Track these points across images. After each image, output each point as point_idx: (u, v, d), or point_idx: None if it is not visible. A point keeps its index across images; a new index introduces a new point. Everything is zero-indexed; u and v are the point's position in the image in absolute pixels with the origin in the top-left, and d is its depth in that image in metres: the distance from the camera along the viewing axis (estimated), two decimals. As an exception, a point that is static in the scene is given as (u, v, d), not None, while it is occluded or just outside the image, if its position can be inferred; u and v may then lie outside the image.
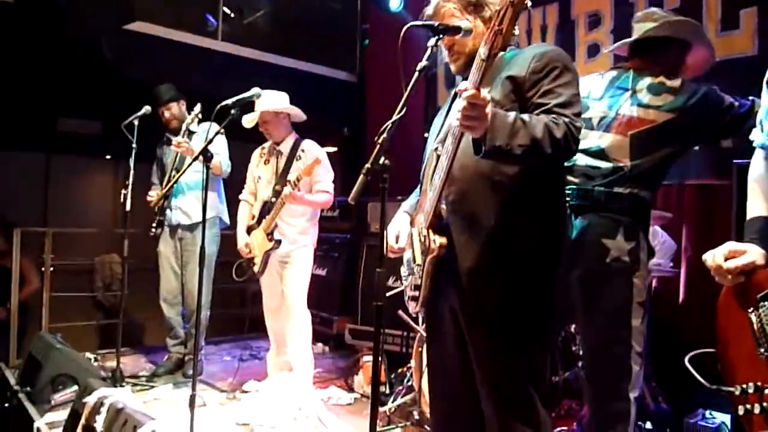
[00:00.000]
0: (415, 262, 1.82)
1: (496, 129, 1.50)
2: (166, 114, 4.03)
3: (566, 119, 1.59)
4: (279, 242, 3.50)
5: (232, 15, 5.91)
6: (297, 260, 3.58)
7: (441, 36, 1.78)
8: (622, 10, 3.81)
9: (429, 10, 1.86)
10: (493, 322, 1.70)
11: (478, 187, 1.70)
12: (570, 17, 4.05)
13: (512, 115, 1.55)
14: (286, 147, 3.63)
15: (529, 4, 1.47)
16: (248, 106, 3.18)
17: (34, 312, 4.36)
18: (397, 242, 1.95)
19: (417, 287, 1.80)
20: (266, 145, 3.75)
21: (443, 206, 1.74)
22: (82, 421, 2.54)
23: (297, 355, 3.56)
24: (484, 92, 1.47)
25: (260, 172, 3.72)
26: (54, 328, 4.21)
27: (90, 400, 2.56)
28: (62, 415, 2.92)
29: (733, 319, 1.36)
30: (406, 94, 1.66)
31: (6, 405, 3.43)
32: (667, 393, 3.11)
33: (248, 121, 3.55)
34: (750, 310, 1.31)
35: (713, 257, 1.35)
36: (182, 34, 5.19)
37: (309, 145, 3.61)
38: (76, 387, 3.24)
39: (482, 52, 1.51)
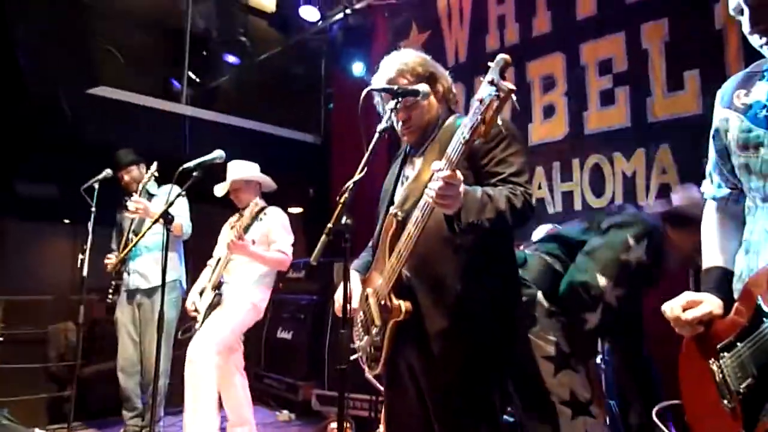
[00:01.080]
0: (374, 323, 1.84)
1: (469, 206, 1.59)
2: (126, 177, 3.98)
3: (521, 188, 1.71)
4: (220, 296, 3.44)
5: (197, 79, 5.99)
6: (226, 307, 3.44)
7: (400, 99, 1.84)
8: (576, 74, 4.00)
9: (381, 83, 1.91)
10: (455, 383, 1.74)
11: (442, 250, 1.76)
12: (525, 80, 4.24)
13: (479, 190, 1.64)
14: (251, 212, 3.58)
15: (515, 98, 1.46)
16: (214, 171, 3.18)
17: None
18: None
19: (377, 348, 1.81)
20: (237, 214, 3.78)
21: (405, 271, 1.77)
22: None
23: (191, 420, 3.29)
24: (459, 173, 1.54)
25: (224, 236, 3.75)
26: (1, 403, 3.96)
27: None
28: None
29: (695, 369, 1.37)
30: (367, 155, 1.70)
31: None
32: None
33: (220, 189, 3.61)
34: (711, 361, 1.31)
35: (671, 308, 1.37)
36: (146, 98, 5.22)
37: (271, 211, 3.61)
38: (21, 467, 3.03)
39: (463, 135, 1.49)
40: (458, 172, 1.53)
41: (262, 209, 3.60)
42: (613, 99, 3.82)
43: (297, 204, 6.31)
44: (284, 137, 6.15)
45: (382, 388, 3.16)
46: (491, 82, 1.42)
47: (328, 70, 6.55)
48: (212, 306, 3.43)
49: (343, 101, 6.15)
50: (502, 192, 1.67)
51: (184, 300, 3.95)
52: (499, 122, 1.75)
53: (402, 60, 1.92)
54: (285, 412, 4.75)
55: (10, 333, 4.44)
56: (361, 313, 1.94)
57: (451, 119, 1.93)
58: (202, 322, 3.44)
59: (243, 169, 3.65)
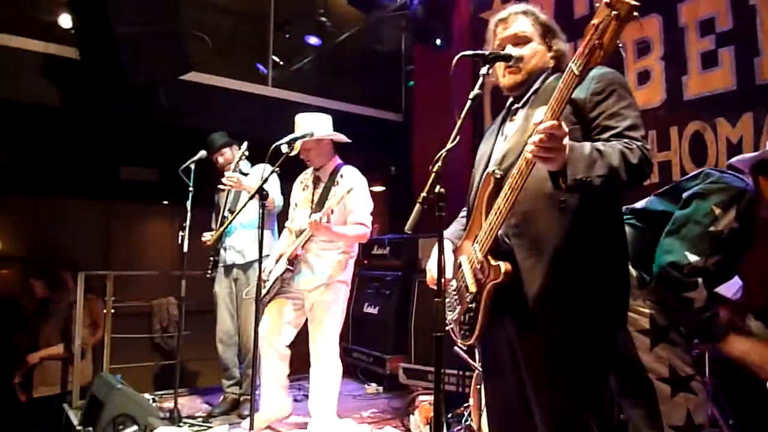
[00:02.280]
0: (467, 290, 1.76)
1: (575, 161, 1.46)
2: (220, 159, 4.14)
3: (638, 143, 1.56)
4: (291, 271, 3.33)
5: (281, 62, 6.14)
6: (326, 299, 3.37)
7: (491, 65, 1.80)
8: (673, 36, 3.76)
9: (501, 15, 1.86)
10: (557, 354, 1.63)
11: (544, 209, 1.65)
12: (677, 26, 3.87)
13: (587, 145, 1.52)
14: (325, 173, 3.47)
15: (637, 14, 1.36)
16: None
17: (96, 353, 4.47)
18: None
19: (471, 317, 1.75)
20: (308, 171, 3.61)
21: (504, 231, 1.69)
22: (143, 459, 2.55)
23: (320, 404, 3.42)
24: (563, 124, 1.44)
25: (297, 198, 3.59)
26: (114, 370, 4.30)
27: (151, 438, 2.58)
28: (123, 454, 2.96)
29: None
30: (459, 122, 1.66)
31: (70, 445, 3.51)
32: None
33: (286, 147, 3.24)
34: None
35: None
36: (234, 82, 5.42)
37: (348, 171, 3.44)
38: (136, 427, 3.28)
39: (575, 66, 1.43)
40: (563, 123, 1.43)
41: (337, 170, 3.44)
42: (716, 61, 3.56)
43: (379, 182, 6.38)
44: (365, 116, 6.22)
45: (471, 362, 3.17)
46: (608, 4, 1.34)
47: (408, 47, 6.53)
48: (282, 276, 3.34)
49: (424, 77, 6.10)
50: (615, 147, 1.53)
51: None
52: (605, 69, 1.65)
53: (530, 6, 1.86)
54: (373, 384, 4.86)
55: (119, 306, 4.79)
56: (454, 282, 1.87)
57: (554, 77, 1.80)
58: (268, 292, 3.38)
59: (313, 124, 3.30)
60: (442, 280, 1.59)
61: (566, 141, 1.44)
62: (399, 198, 6.19)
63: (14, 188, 5.42)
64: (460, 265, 1.85)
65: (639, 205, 2.38)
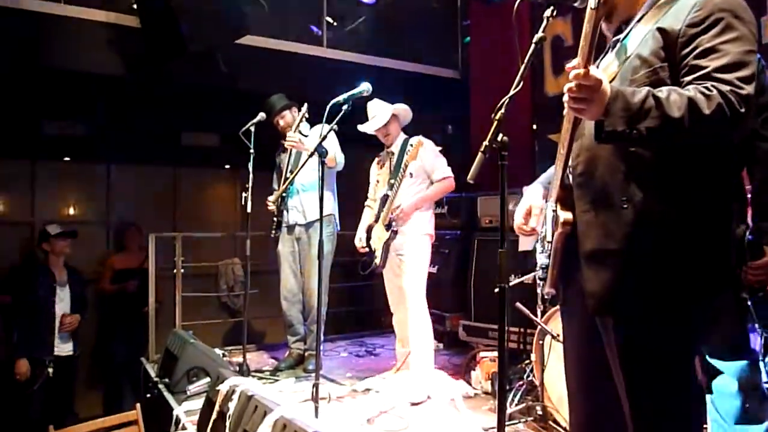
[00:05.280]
0: (545, 239, 1.70)
1: (615, 112, 1.28)
2: (281, 122, 4.18)
3: (726, 87, 1.28)
4: (396, 232, 3.61)
5: (335, 23, 6.10)
6: (411, 252, 3.63)
7: (555, 8, 1.72)
8: None
9: None
10: (625, 341, 1.46)
11: (609, 158, 1.46)
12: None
13: (642, 92, 1.30)
14: (396, 146, 3.80)
15: None
16: (356, 109, 3.23)
17: (169, 310, 4.70)
18: (527, 221, 1.80)
19: (547, 266, 1.68)
20: (381, 153, 3.95)
21: (570, 178, 1.59)
22: (216, 407, 2.69)
23: (416, 350, 3.58)
24: (596, 71, 1.29)
25: (377, 176, 3.94)
26: (186, 326, 4.52)
27: (222, 388, 2.71)
28: (198, 403, 3.13)
29: None
30: (522, 68, 1.60)
31: (148, 395, 3.73)
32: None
33: (369, 127, 3.75)
34: None
35: None
36: (289, 44, 5.44)
37: (416, 139, 3.64)
38: (208, 379, 3.46)
39: (591, 1, 1.30)
40: (592, 70, 1.27)
41: (407, 141, 3.70)
42: None
43: (436, 141, 6.30)
44: (422, 73, 6.14)
45: (534, 318, 3.15)
46: None
47: (464, 2, 6.35)
48: (389, 240, 3.62)
49: (481, 33, 5.95)
50: (684, 93, 1.28)
51: (340, 236, 4.19)
52: None
53: None
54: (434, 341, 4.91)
55: (187, 266, 4.99)
56: (542, 228, 1.77)
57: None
58: (383, 257, 3.66)
59: (386, 107, 3.75)
60: (504, 229, 1.55)
61: (605, 86, 1.29)
62: (456, 157, 6.11)
63: (88, 155, 5.69)
64: (546, 211, 1.75)
65: None
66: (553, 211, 1.62)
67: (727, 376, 2.12)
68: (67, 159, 5.75)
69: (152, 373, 4.05)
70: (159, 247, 4.59)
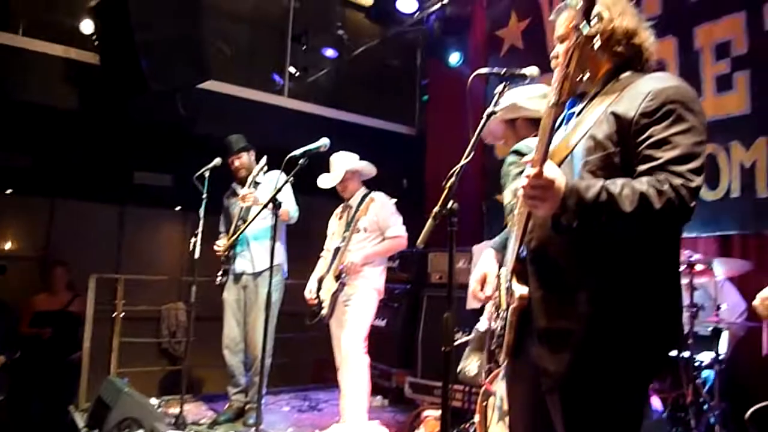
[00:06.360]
0: (500, 306, 1.67)
1: (570, 208, 1.31)
2: (236, 162, 4.17)
3: (678, 180, 1.31)
4: (344, 285, 3.60)
5: (297, 74, 6.21)
6: (356, 304, 3.63)
7: (507, 83, 1.82)
8: (689, 58, 3.76)
9: (552, 16, 1.65)
10: (565, 395, 1.46)
11: (561, 240, 1.44)
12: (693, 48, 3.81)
13: (596, 187, 1.32)
14: (355, 200, 3.83)
15: (597, 45, 1.39)
16: (316, 160, 3.27)
17: (103, 357, 4.50)
18: (482, 288, 1.81)
19: (501, 335, 1.64)
20: (341, 205, 3.98)
21: (526, 253, 1.56)
22: (148, 464, 2.56)
23: (349, 398, 3.54)
24: (550, 170, 1.30)
25: (333, 227, 3.96)
26: (121, 373, 4.32)
27: (156, 443, 2.59)
28: (128, 458, 2.97)
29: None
30: (474, 139, 1.68)
31: (74, 447, 3.52)
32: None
33: (328, 180, 3.79)
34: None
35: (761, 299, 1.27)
36: (251, 91, 5.48)
37: (377, 197, 3.70)
38: (142, 430, 3.29)
39: (551, 98, 1.34)
40: (547, 169, 1.28)
41: (367, 196, 3.73)
42: (730, 84, 3.57)
43: (391, 194, 6.39)
44: (380, 129, 6.25)
45: (477, 380, 3.15)
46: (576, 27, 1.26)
47: (424, 62, 6.58)
48: (337, 292, 3.62)
49: (439, 92, 6.15)
50: (637, 187, 1.30)
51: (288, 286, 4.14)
52: (668, 83, 1.40)
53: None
54: (378, 397, 4.84)
55: (129, 309, 4.82)
56: (497, 293, 1.74)
57: (628, 74, 1.52)
58: (330, 308, 3.66)
59: (349, 160, 3.80)
60: (451, 293, 1.58)
61: (559, 183, 1.30)
62: (411, 211, 6.19)
63: (31, 189, 5.49)
64: (500, 278, 1.73)
65: None
66: (509, 282, 1.58)
67: None
68: (8, 191, 5.55)
69: (80, 423, 3.83)
70: (99, 289, 4.42)
